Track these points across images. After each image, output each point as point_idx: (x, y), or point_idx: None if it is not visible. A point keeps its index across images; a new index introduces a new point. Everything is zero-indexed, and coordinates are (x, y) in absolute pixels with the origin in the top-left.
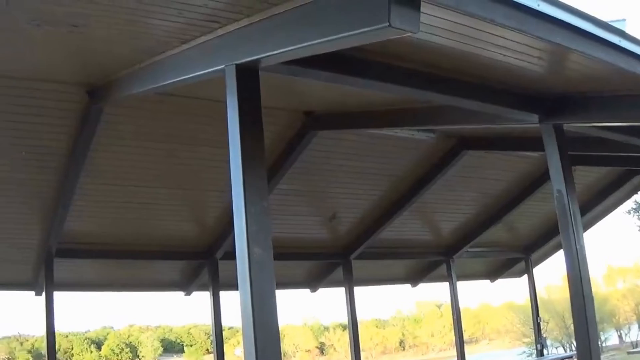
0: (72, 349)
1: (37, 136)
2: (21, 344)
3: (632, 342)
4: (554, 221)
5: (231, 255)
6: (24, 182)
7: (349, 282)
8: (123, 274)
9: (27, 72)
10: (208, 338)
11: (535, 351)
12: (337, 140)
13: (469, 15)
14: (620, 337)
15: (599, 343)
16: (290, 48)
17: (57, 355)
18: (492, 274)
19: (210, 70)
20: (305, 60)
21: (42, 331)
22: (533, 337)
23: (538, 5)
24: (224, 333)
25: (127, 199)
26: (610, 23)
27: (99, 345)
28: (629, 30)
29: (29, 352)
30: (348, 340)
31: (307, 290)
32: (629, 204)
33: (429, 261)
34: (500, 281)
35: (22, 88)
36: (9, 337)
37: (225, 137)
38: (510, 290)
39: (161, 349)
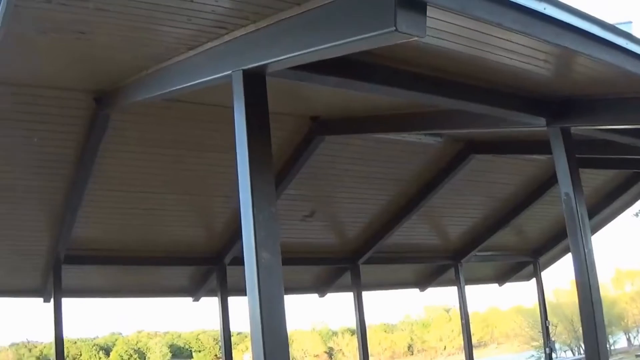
0: (81, 355)
1: (45, 143)
2: (30, 350)
3: None
4: (562, 224)
5: (239, 260)
6: (32, 189)
7: (357, 286)
8: (131, 280)
9: (34, 79)
10: (216, 344)
11: (543, 355)
12: (344, 145)
13: (476, 19)
14: (628, 340)
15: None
16: (297, 53)
17: None
18: (501, 277)
19: (217, 76)
20: (312, 66)
21: (50, 338)
22: (541, 341)
23: (544, 8)
24: (232, 338)
25: (135, 205)
26: (616, 26)
27: (107, 351)
28: (635, 32)
29: (38, 358)
30: (356, 345)
31: (316, 295)
32: (637, 206)
33: (437, 265)
34: (508, 285)
35: (29, 95)
36: (18, 344)
37: (232, 143)
38: (518, 294)
39: (170, 354)
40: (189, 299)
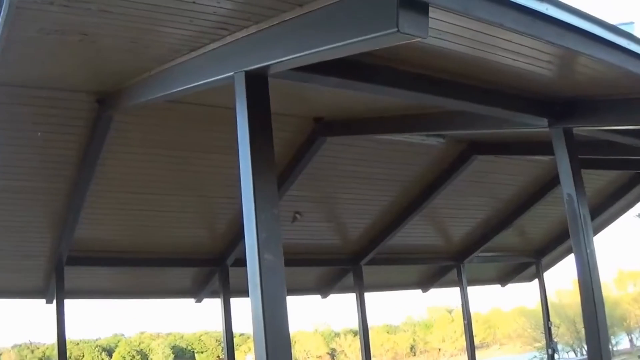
0: (83, 356)
1: (48, 144)
2: (32, 351)
3: None
4: (564, 225)
5: (242, 262)
6: (35, 191)
7: (360, 287)
8: (134, 281)
9: (37, 80)
10: (219, 345)
11: (546, 356)
12: (347, 146)
13: (478, 20)
14: (631, 340)
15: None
16: (299, 54)
17: None
18: (503, 278)
19: (219, 78)
20: (314, 67)
21: (53, 339)
22: (544, 342)
23: (547, 9)
24: (234, 340)
25: (138, 207)
26: (618, 26)
27: (109, 352)
28: (637, 33)
29: (40, 359)
30: (359, 346)
31: (318, 297)
32: None
33: (440, 266)
34: (510, 286)
35: (32, 97)
36: (20, 345)
37: (235, 144)
38: (521, 295)
39: (172, 356)
40: (192, 300)
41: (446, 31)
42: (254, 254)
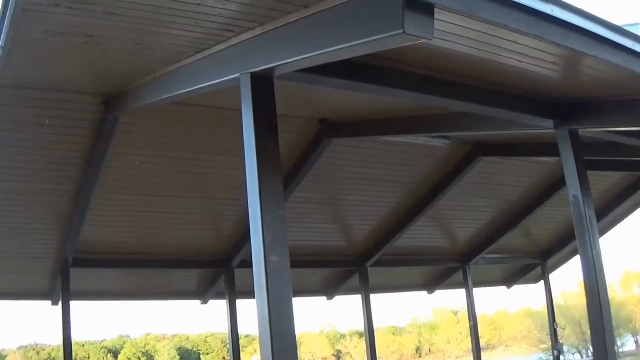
0: (89, 357)
1: (53, 146)
2: (38, 353)
3: None
4: (570, 226)
5: (247, 263)
6: (40, 192)
7: (365, 289)
8: (139, 283)
9: (43, 82)
10: (224, 346)
11: (552, 357)
12: (352, 147)
13: (483, 21)
14: (636, 342)
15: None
16: (304, 56)
17: None
18: (508, 280)
19: (225, 79)
20: (319, 68)
21: (58, 340)
22: (549, 343)
23: (552, 10)
24: (240, 341)
25: (143, 208)
26: (623, 27)
27: (115, 354)
28: None
29: None
30: (364, 347)
31: (324, 298)
32: None
33: (445, 268)
34: (516, 287)
35: (37, 98)
36: (26, 347)
37: (240, 146)
38: (526, 297)
39: (178, 357)
40: (197, 302)
41: (451, 32)
42: (259, 255)
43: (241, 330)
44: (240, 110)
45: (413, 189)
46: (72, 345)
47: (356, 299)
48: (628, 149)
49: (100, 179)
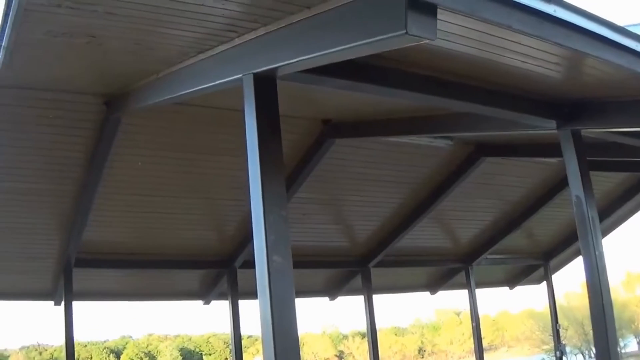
0: (91, 358)
1: (56, 147)
2: (40, 353)
3: None
4: (572, 227)
5: (250, 264)
6: (43, 193)
7: (368, 290)
8: (142, 284)
9: (45, 83)
10: (227, 347)
11: (554, 358)
12: (355, 148)
13: (486, 22)
14: (639, 343)
15: (618, 349)
16: (307, 56)
17: None
18: (511, 281)
19: (227, 80)
20: (322, 69)
21: (61, 341)
22: (552, 345)
23: (554, 11)
24: (243, 342)
25: (145, 209)
26: (626, 28)
27: (117, 354)
28: None
29: None
30: (367, 348)
31: (326, 299)
32: None
33: (448, 268)
34: (519, 288)
35: (40, 99)
36: (28, 347)
37: (242, 146)
38: (529, 298)
39: (180, 358)
40: (200, 302)
41: (454, 33)
42: (262, 256)
43: (244, 330)
44: (242, 111)
45: (416, 190)
46: (75, 346)
47: (359, 300)
48: (631, 150)
49: (102, 180)
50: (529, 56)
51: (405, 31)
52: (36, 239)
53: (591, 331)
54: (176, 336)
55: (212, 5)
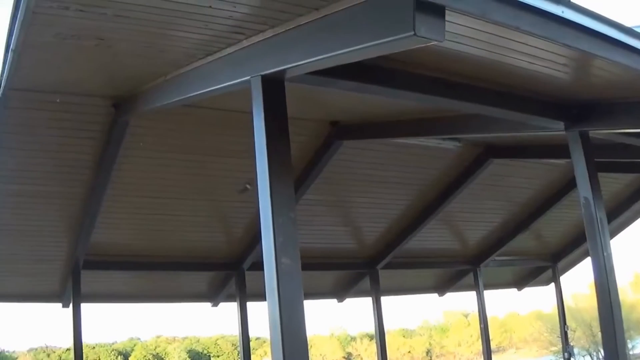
0: None
1: (64, 149)
2: (48, 355)
3: None
4: (580, 229)
5: (258, 265)
6: (51, 195)
7: (376, 291)
8: (150, 286)
9: (53, 85)
10: (235, 349)
11: None
12: (363, 150)
13: (494, 23)
14: None
15: (627, 351)
16: (315, 58)
17: None
18: (519, 282)
19: (236, 82)
20: (330, 71)
21: (69, 343)
22: (560, 346)
23: (562, 12)
24: (251, 344)
25: (154, 211)
26: (634, 29)
27: (126, 356)
28: None
29: None
30: (375, 350)
31: (334, 301)
32: None
33: (456, 270)
34: (527, 290)
35: (48, 102)
36: (36, 349)
37: (250, 148)
38: (537, 299)
39: (188, 359)
40: (208, 304)
41: (462, 34)
42: (271, 258)
43: (252, 332)
44: (251, 113)
45: (424, 192)
46: (83, 348)
47: (367, 302)
48: (639, 151)
49: (111, 182)
50: (537, 57)
51: (413, 33)
52: (44, 241)
53: (599, 333)
54: (184, 338)
55: (220, 7)
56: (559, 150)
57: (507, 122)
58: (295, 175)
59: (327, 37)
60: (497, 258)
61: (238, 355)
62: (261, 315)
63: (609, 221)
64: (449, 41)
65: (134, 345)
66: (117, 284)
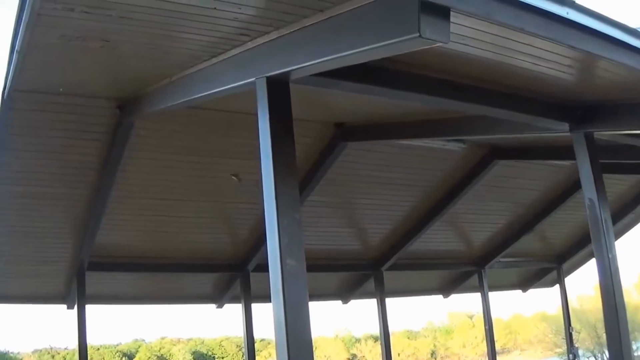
0: None
1: (69, 150)
2: (53, 357)
3: None
4: (585, 230)
5: (263, 267)
6: (56, 197)
7: (381, 293)
8: (155, 287)
9: (58, 87)
10: (240, 350)
11: None
12: (368, 151)
13: (499, 25)
14: None
15: (632, 353)
16: (320, 60)
17: None
18: (524, 284)
19: (241, 83)
20: (335, 72)
21: (74, 344)
22: (565, 348)
23: (567, 13)
24: (255, 345)
25: (159, 212)
26: (639, 30)
27: (130, 358)
28: None
29: None
30: (380, 351)
31: (339, 302)
32: None
33: (461, 272)
34: (532, 291)
35: (53, 103)
36: (41, 350)
37: (255, 150)
38: (542, 300)
39: None
40: (213, 306)
41: (467, 36)
42: (276, 259)
43: (256, 334)
44: (255, 115)
45: (429, 193)
46: (88, 349)
47: (372, 303)
48: None
49: (115, 184)
50: (541, 59)
51: (418, 34)
52: (49, 242)
53: (604, 334)
54: (189, 339)
55: (225, 9)
56: (564, 151)
57: (512, 124)
58: (300, 176)
59: (333, 38)
60: (501, 259)
61: (243, 356)
62: (266, 317)
63: (614, 222)
64: (454, 42)
65: (139, 346)
66: (122, 286)
